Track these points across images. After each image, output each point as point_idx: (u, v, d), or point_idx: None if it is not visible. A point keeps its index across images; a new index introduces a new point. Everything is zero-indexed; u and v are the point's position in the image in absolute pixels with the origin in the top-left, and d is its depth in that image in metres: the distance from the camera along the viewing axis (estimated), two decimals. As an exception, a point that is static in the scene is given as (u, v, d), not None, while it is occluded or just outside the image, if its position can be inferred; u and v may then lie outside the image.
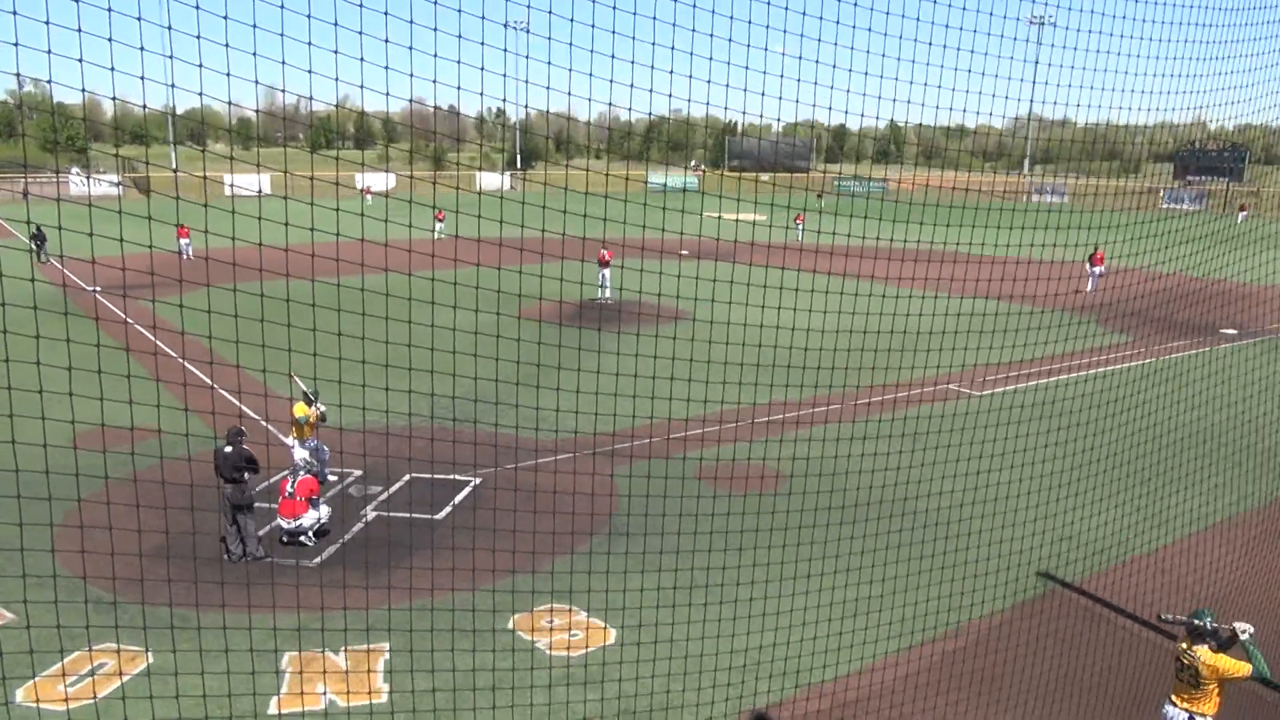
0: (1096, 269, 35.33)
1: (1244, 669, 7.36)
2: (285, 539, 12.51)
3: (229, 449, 12.03)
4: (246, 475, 11.94)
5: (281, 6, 6.23)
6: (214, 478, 12.12)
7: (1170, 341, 26.52)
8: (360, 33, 6.46)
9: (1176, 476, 15.00)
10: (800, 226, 48.13)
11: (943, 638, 10.45)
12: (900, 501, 13.80)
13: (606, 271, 30.48)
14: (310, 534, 12.57)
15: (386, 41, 6.43)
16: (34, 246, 36.56)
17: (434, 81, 6.82)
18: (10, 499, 7.52)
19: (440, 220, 43.59)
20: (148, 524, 11.07)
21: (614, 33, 7.31)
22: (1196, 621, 7.58)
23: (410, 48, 6.69)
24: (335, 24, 6.32)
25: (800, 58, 8.10)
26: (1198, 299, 28.97)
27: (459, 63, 7.04)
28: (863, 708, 9.10)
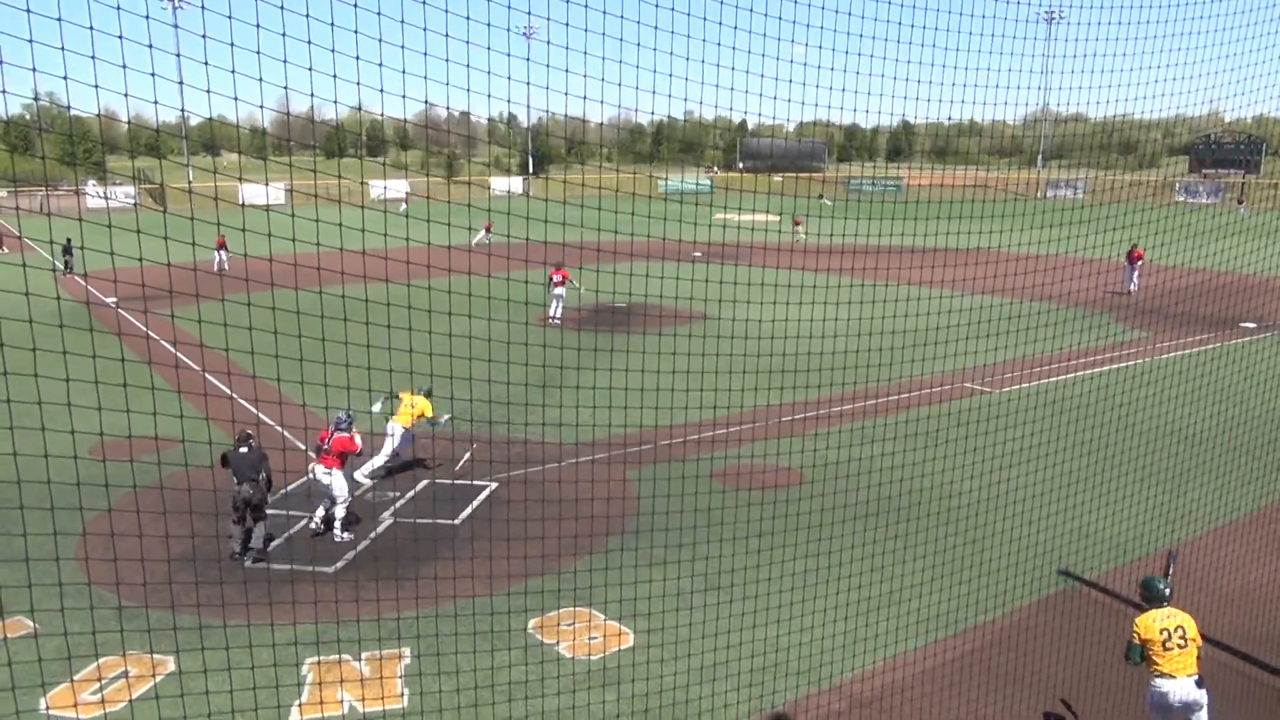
0: (1135, 264, 33.00)
1: None
2: (319, 525, 12.90)
3: (244, 450, 12.16)
4: (262, 475, 12.05)
5: (306, 15, 6.29)
6: (229, 484, 12.22)
7: (1189, 336, 26.31)
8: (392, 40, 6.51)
9: (1198, 471, 14.88)
10: (798, 230, 44.53)
11: (962, 635, 10.41)
12: (918, 499, 13.77)
13: (560, 291, 28.46)
14: (338, 527, 12.83)
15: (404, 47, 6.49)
16: (66, 259, 36.87)
17: (466, 89, 6.86)
18: (33, 510, 7.60)
19: (489, 230, 37.81)
20: (166, 532, 11.19)
21: (623, 39, 7.33)
22: (1160, 588, 7.77)
23: (424, 53, 6.73)
24: (355, 31, 6.39)
25: (806, 64, 8.10)
26: (1215, 291, 28.75)
27: (487, 68, 7.08)
28: (881, 705, 9.08)
